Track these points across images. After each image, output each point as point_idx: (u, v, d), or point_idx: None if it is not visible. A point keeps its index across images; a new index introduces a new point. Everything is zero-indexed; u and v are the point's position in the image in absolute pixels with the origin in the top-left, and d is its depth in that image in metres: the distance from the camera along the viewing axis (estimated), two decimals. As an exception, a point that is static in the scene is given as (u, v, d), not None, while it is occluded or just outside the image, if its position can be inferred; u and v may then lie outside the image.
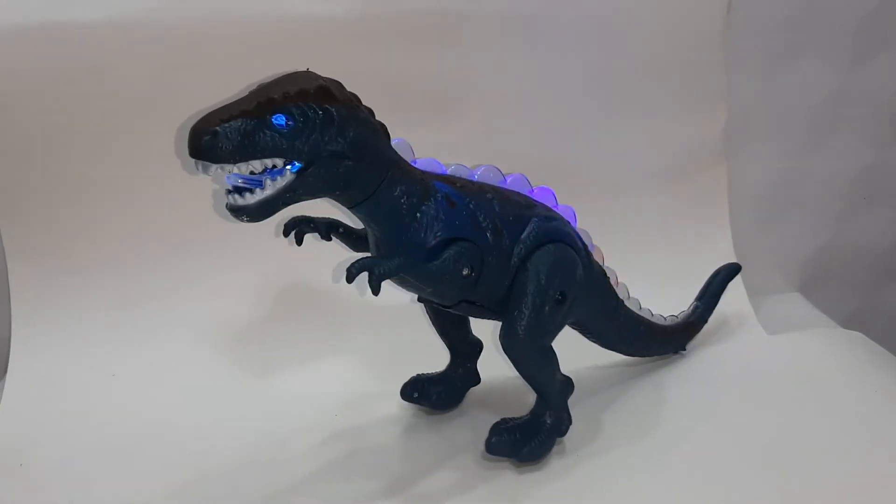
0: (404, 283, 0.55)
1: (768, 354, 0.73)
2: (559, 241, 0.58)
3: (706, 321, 0.75)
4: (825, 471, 0.57)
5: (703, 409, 0.66)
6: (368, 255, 0.56)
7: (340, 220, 0.59)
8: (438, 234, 0.53)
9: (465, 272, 0.54)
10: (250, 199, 0.47)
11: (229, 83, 0.76)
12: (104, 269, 0.77)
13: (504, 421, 0.60)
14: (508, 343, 0.56)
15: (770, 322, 0.78)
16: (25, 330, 0.76)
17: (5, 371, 0.75)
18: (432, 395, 0.66)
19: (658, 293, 0.73)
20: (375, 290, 0.50)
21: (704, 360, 0.73)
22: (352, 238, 0.59)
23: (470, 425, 0.65)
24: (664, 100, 0.82)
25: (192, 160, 0.46)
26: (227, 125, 0.45)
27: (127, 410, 0.70)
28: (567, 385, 0.61)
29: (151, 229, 0.78)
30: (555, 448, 0.60)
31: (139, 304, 0.77)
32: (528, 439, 0.58)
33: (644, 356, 0.72)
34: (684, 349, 0.74)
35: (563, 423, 0.60)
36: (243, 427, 0.67)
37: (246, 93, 0.49)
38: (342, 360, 0.75)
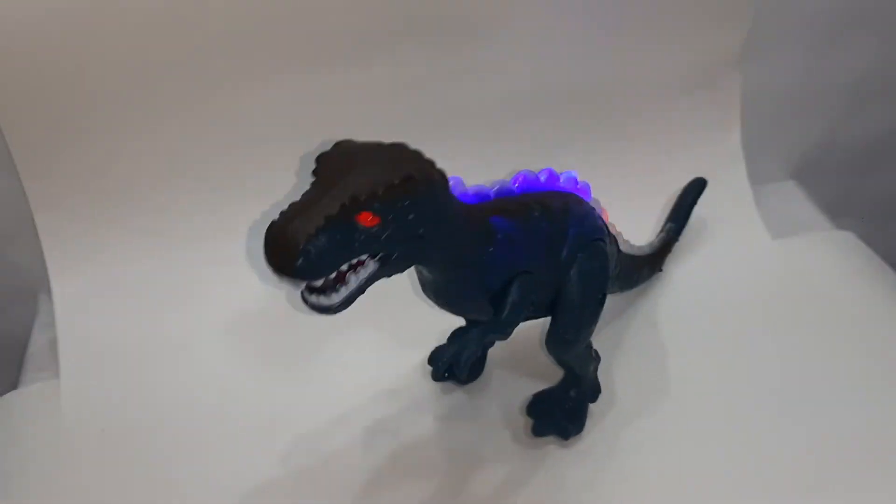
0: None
1: (774, 261, 0.80)
2: (595, 240, 0.59)
3: (678, 239, 0.80)
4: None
5: (715, 323, 0.73)
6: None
7: None
8: (503, 274, 0.53)
9: (530, 305, 0.55)
10: (335, 297, 0.46)
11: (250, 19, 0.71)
12: (139, 217, 0.77)
13: (538, 399, 0.64)
14: (559, 349, 0.60)
15: (771, 220, 0.84)
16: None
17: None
18: (462, 371, 0.67)
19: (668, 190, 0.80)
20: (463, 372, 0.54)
21: (716, 267, 0.79)
22: None
23: (496, 398, 0.68)
24: (686, 11, 0.80)
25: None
26: (317, 241, 0.43)
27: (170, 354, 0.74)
28: (597, 360, 0.64)
29: (179, 168, 0.77)
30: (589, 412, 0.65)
31: (170, 244, 0.78)
32: (568, 417, 0.63)
33: (632, 289, 0.76)
34: (661, 269, 0.79)
35: (593, 392, 0.65)
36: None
37: (316, 177, 0.45)
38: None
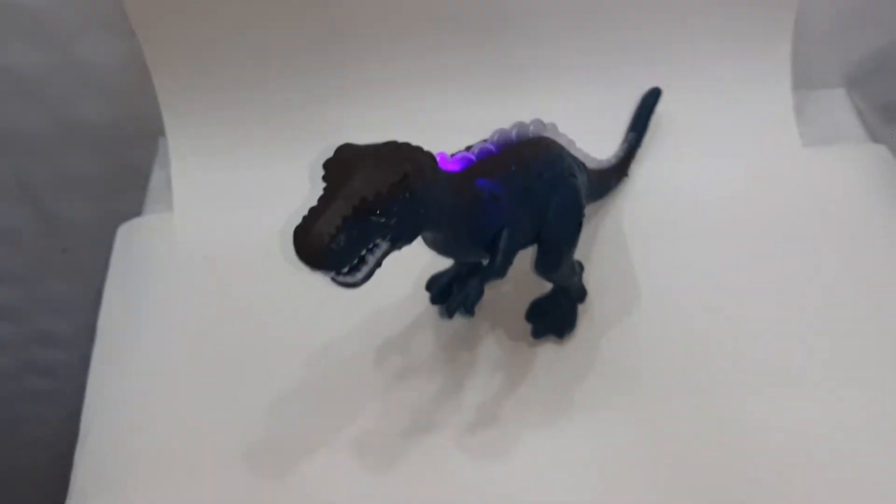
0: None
1: (797, 168, 0.87)
2: (566, 180, 0.69)
3: (640, 145, 0.89)
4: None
5: (718, 221, 0.82)
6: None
7: None
8: (493, 227, 0.63)
9: (519, 248, 0.67)
10: (358, 275, 0.55)
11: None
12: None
13: (535, 306, 0.75)
14: (545, 272, 0.70)
15: (808, 127, 0.89)
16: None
17: None
18: (469, 312, 0.77)
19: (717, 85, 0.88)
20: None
21: (739, 173, 0.86)
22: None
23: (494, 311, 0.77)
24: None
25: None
26: (338, 240, 0.52)
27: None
28: (581, 270, 0.75)
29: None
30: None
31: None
32: (561, 319, 0.74)
33: (603, 197, 0.86)
34: (627, 174, 0.88)
35: (580, 295, 0.76)
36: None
37: (326, 182, 0.54)
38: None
